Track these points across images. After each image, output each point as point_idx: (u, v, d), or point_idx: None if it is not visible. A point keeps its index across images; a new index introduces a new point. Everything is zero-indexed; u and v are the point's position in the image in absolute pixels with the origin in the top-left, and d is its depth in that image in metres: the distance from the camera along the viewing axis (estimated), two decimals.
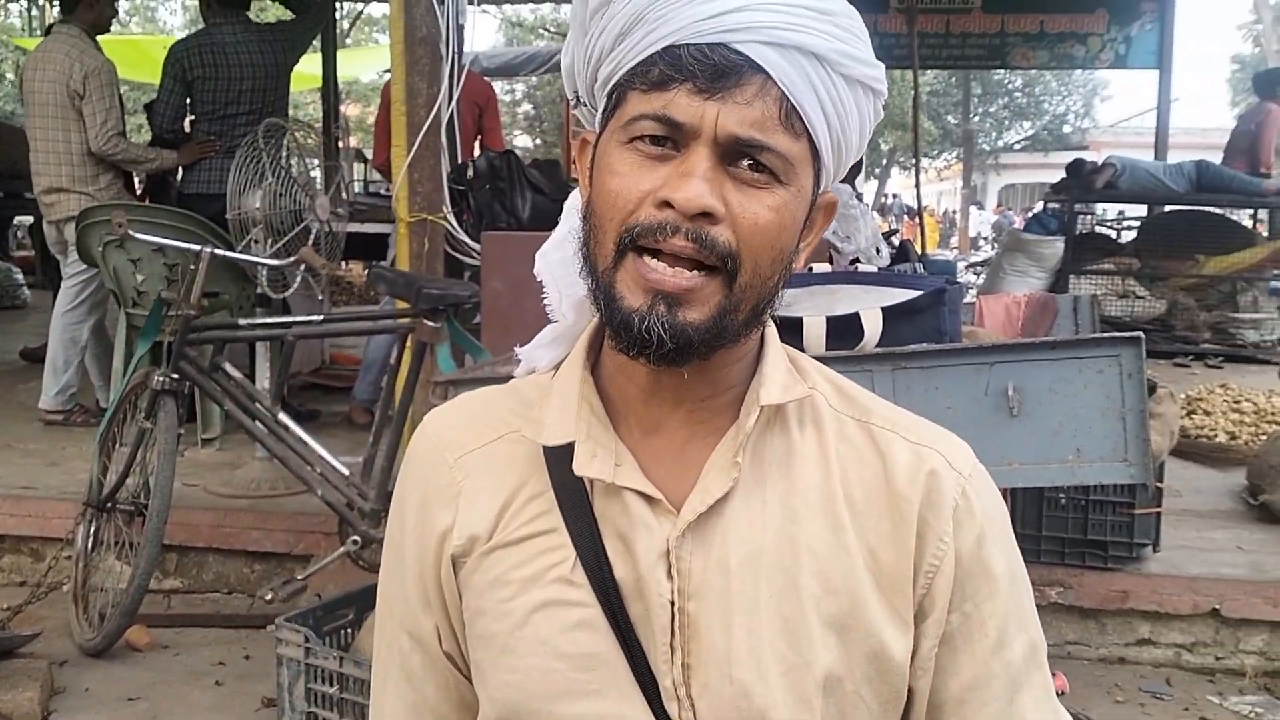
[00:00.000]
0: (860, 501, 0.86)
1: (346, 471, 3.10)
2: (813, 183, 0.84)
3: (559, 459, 0.86)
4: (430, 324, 2.99)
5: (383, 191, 5.55)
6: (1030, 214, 13.03)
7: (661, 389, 0.86)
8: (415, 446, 0.95)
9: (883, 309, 2.30)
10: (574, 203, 0.98)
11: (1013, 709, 0.86)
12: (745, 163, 0.79)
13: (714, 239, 0.78)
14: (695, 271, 0.79)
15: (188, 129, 4.85)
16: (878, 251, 3.32)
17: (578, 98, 0.92)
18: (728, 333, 0.81)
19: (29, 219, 9.37)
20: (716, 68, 0.78)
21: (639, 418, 0.88)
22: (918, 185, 8.23)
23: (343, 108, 9.04)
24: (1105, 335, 2.20)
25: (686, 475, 0.86)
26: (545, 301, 0.97)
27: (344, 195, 4.23)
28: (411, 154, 3.60)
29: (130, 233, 3.08)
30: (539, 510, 0.87)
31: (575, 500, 0.86)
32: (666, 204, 0.78)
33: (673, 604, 0.83)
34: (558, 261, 0.98)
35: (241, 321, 3.28)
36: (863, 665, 0.84)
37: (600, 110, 0.87)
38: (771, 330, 0.90)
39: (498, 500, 0.88)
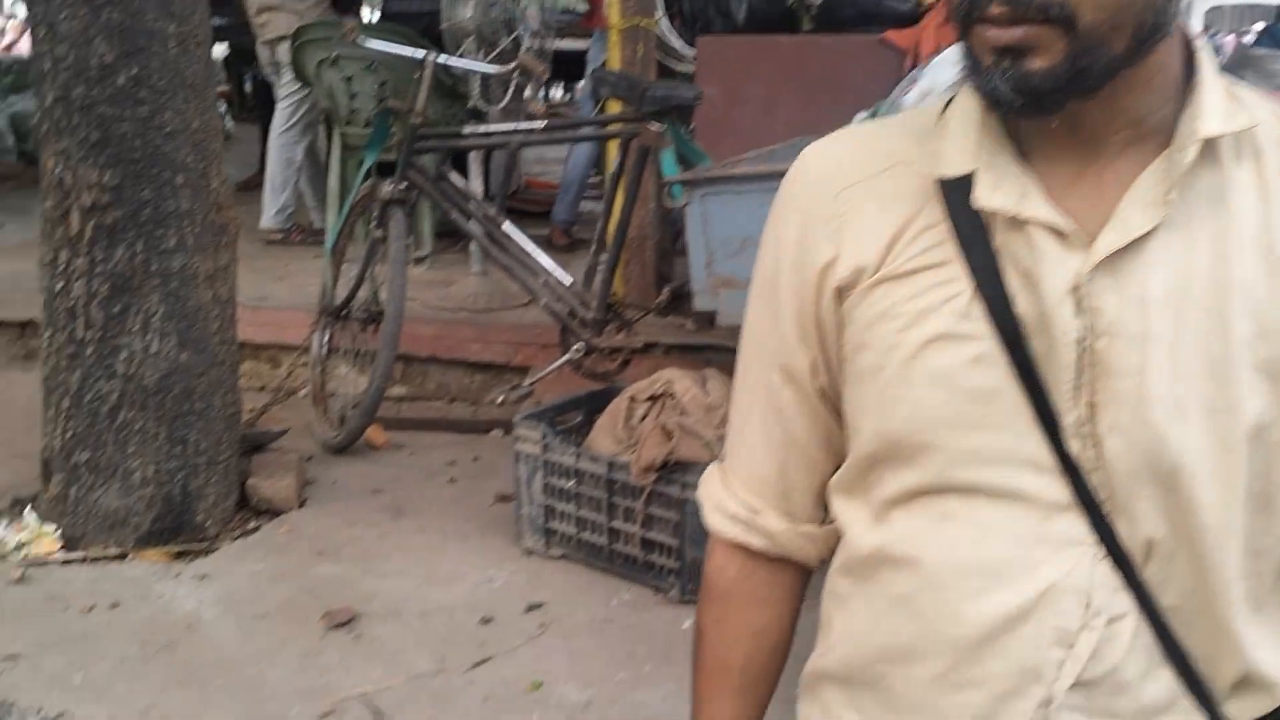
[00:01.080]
0: None
1: (569, 280, 3.12)
2: None
3: (955, 190, 0.80)
4: (654, 128, 2.92)
5: (577, 9, 5.43)
6: (1254, 32, 11.82)
7: (1065, 126, 0.78)
8: (791, 180, 0.90)
9: None
10: None
11: None
12: None
13: None
14: (1024, 25, 0.72)
15: None
16: None
17: None
18: (1091, 73, 0.73)
19: (223, 49, 9.55)
20: None
21: (1046, 148, 0.80)
22: None
23: None
24: None
25: (1101, 207, 0.78)
26: None
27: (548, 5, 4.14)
28: None
29: (359, 40, 3.09)
30: (932, 242, 0.81)
31: (973, 233, 0.79)
32: None
33: (1079, 342, 0.77)
34: None
35: (465, 130, 3.29)
36: None
37: None
38: (1206, 56, 0.80)
39: (887, 232, 0.83)
